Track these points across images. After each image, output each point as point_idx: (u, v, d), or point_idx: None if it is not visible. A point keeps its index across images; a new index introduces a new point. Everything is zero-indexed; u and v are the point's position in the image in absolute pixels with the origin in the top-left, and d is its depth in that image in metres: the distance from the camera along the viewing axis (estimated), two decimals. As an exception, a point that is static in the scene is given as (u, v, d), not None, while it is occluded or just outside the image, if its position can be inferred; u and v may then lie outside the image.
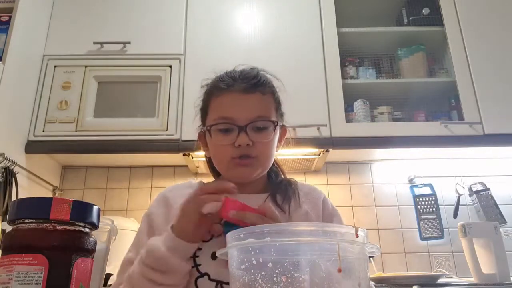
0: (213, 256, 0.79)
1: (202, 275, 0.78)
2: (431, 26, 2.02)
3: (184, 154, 1.81)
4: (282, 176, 0.99)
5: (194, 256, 0.80)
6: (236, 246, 0.48)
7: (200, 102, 0.96)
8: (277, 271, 0.44)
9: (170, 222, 0.84)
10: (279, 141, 0.95)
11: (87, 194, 2.03)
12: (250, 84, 0.87)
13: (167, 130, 1.75)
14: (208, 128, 0.87)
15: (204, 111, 0.93)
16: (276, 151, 0.94)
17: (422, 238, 1.95)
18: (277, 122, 0.89)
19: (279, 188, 0.93)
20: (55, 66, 1.86)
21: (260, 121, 0.85)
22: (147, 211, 0.91)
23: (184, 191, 0.92)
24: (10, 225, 0.43)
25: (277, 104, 0.94)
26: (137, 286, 0.72)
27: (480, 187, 2.01)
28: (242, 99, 0.86)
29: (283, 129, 0.97)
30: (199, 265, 0.79)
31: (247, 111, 0.85)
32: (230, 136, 0.84)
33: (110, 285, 1.41)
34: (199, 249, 0.80)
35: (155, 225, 0.86)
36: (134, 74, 1.85)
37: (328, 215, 0.93)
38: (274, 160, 0.98)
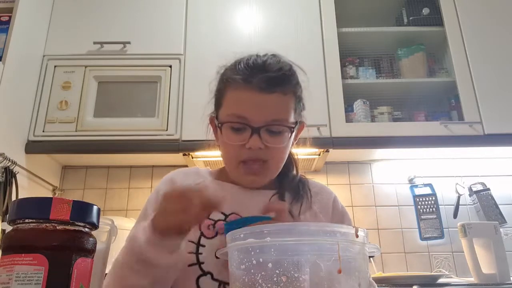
0: None
1: (205, 273, 0.75)
2: (431, 26, 2.02)
3: (184, 154, 1.81)
4: (294, 172, 0.92)
5: (197, 253, 0.77)
6: (236, 246, 0.48)
7: (215, 87, 0.88)
8: (277, 271, 0.44)
9: None
10: (295, 137, 0.89)
11: (87, 194, 2.02)
12: (271, 83, 0.79)
13: (167, 130, 1.75)
14: (220, 125, 0.82)
15: (218, 101, 0.86)
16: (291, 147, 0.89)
17: (422, 238, 1.95)
18: (293, 127, 0.82)
19: (290, 186, 0.88)
20: (55, 66, 1.86)
21: (276, 125, 0.79)
22: (152, 195, 0.89)
23: (191, 177, 0.90)
24: (10, 225, 0.43)
25: (298, 102, 0.85)
26: (121, 276, 0.68)
27: (480, 187, 2.01)
28: (260, 99, 0.78)
29: (301, 124, 0.90)
30: (202, 263, 0.76)
31: (263, 113, 0.78)
32: (242, 135, 0.79)
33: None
34: (202, 245, 0.77)
35: None
36: (134, 74, 1.85)
37: (338, 214, 0.89)
38: (290, 154, 0.92)
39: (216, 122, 0.85)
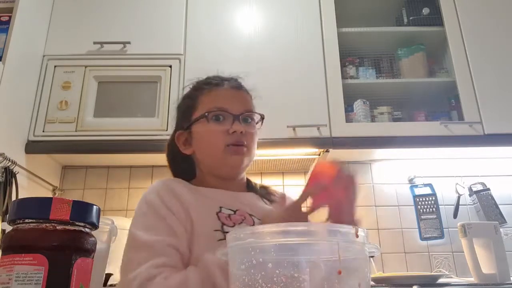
0: None
1: None
2: (431, 26, 2.02)
3: (184, 154, 1.81)
4: (255, 184, 1.04)
5: (223, 231, 0.80)
6: (236, 246, 0.48)
7: (184, 100, 1.00)
8: (277, 271, 0.44)
9: (198, 199, 0.85)
10: None
11: (87, 194, 2.02)
12: (238, 83, 0.98)
13: (167, 130, 1.74)
14: (207, 114, 0.91)
15: (190, 108, 0.96)
16: None
17: (422, 238, 1.95)
18: (263, 115, 0.97)
19: (258, 189, 1.00)
20: (55, 66, 1.86)
21: (250, 113, 0.94)
22: (155, 198, 0.87)
23: (181, 184, 0.92)
24: (10, 225, 0.43)
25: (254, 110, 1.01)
26: None
27: (480, 187, 2.01)
28: (234, 94, 0.96)
29: None
30: None
31: (239, 104, 0.93)
32: (224, 124, 0.90)
33: (110, 285, 1.41)
34: (226, 232, 0.80)
35: (175, 211, 0.83)
36: (134, 74, 1.85)
37: None
38: None
39: (185, 132, 0.96)
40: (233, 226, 0.82)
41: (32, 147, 1.74)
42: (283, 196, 0.85)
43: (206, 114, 0.91)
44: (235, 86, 0.97)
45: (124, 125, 1.76)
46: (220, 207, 0.86)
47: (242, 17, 1.98)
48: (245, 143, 0.90)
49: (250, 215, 0.87)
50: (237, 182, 0.97)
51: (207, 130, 0.92)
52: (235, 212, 0.87)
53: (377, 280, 1.52)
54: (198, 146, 0.94)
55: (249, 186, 1.01)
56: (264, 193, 0.99)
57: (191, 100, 0.97)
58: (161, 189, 0.90)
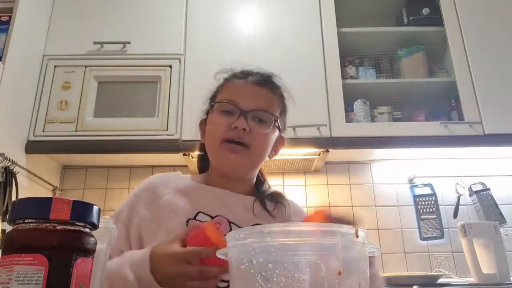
0: None
1: None
2: (431, 26, 2.02)
3: (184, 154, 1.81)
4: (269, 188, 0.98)
5: None
6: (236, 246, 0.48)
7: (213, 89, 0.95)
8: (277, 271, 0.44)
9: (156, 214, 0.83)
10: (275, 149, 0.94)
11: (87, 194, 2.02)
12: (263, 79, 0.91)
13: (167, 130, 1.75)
14: (212, 104, 0.88)
15: (213, 96, 0.93)
16: (269, 158, 0.93)
17: (422, 238, 1.95)
18: (278, 117, 0.89)
19: (268, 195, 0.92)
20: (55, 66, 1.86)
21: (263, 113, 0.86)
22: (134, 199, 0.87)
23: (173, 179, 0.92)
24: (10, 225, 0.43)
25: (283, 110, 0.94)
26: None
27: (480, 187, 2.01)
28: (252, 89, 0.89)
29: (282, 138, 0.96)
30: None
31: (253, 100, 0.86)
32: (230, 118, 0.84)
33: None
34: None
35: (139, 224, 0.83)
36: (134, 74, 1.85)
37: None
38: (260, 171, 0.97)
39: (206, 112, 0.92)
40: None
41: (32, 147, 1.74)
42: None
43: (212, 104, 0.89)
44: (258, 82, 0.89)
45: (124, 125, 1.76)
46: (197, 213, 0.83)
47: (242, 17, 1.98)
48: (248, 142, 0.83)
49: (231, 222, 0.83)
50: (244, 183, 0.91)
51: (210, 120, 0.89)
52: (212, 218, 0.83)
53: (377, 280, 1.52)
54: (206, 136, 0.91)
55: (258, 191, 0.93)
56: (270, 198, 0.92)
57: (215, 89, 0.94)
58: (142, 188, 0.90)
